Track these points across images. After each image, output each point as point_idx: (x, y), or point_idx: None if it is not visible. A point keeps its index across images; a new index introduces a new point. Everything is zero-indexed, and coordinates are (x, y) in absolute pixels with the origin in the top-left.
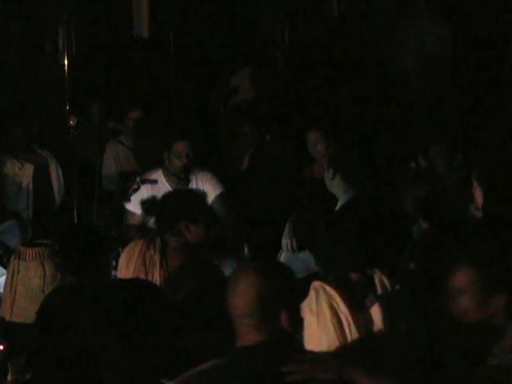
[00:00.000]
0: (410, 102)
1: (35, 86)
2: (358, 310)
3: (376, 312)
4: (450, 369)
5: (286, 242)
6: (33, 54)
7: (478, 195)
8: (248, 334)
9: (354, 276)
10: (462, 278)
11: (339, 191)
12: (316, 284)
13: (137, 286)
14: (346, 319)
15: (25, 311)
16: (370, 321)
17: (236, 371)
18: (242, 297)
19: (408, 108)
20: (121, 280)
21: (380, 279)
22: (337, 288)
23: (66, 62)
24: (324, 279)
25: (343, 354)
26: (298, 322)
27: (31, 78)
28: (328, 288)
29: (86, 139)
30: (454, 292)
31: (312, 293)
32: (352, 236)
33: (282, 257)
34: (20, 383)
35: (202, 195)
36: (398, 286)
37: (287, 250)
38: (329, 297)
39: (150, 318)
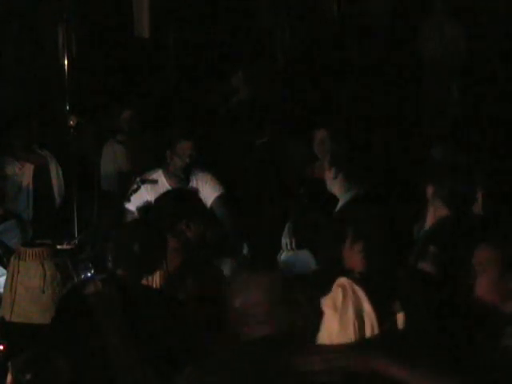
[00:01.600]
0: (420, 101)
1: (35, 86)
2: (385, 314)
3: (401, 316)
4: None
5: (285, 241)
6: (33, 54)
7: (479, 196)
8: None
9: (376, 276)
10: (483, 255)
11: (341, 190)
12: (343, 281)
13: (148, 290)
14: (371, 321)
15: (25, 311)
16: (395, 324)
17: (242, 364)
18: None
19: (416, 107)
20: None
21: (401, 281)
22: (364, 288)
23: (65, 62)
24: (350, 277)
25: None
26: None
27: (31, 77)
28: (357, 288)
29: (86, 139)
30: (475, 267)
31: (338, 289)
32: (366, 236)
33: (282, 256)
34: (20, 383)
35: (196, 193)
36: (418, 289)
37: (287, 249)
38: (356, 298)
39: (161, 323)
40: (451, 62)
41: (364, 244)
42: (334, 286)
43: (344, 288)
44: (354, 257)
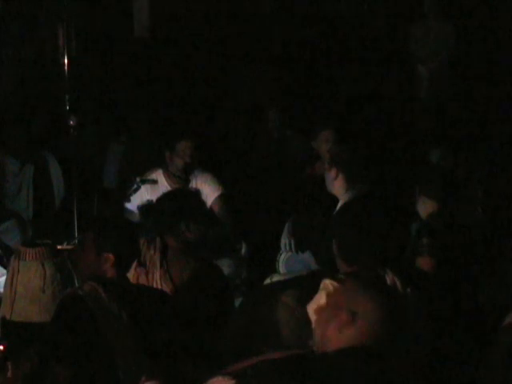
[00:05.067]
0: (416, 102)
1: (35, 85)
2: None
3: None
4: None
5: (284, 241)
6: (33, 54)
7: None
8: None
9: (364, 274)
10: None
11: (341, 190)
12: (327, 282)
13: (146, 290)
14: None
15: (25, 311)
16: None
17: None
18: None
19: (412, 108)
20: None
21: (392, 280)
22: None
23: (65, 62)
24: (334, 277)
25: None
26: None
27: (31, 77)
28: (340, 287)
29: (86, 139)
30: None
31: (322, 293)
32: (364, 232)
33: (282, 257)
34: (20, 381)
35: (198, 193)
36: (409, 289)
37: (286, 249)
38: None
39: (163, 321)
40: (441, 62)
41: (341, 246)
42: (319, 290)
43: (327, 290)
44: (337, 258)
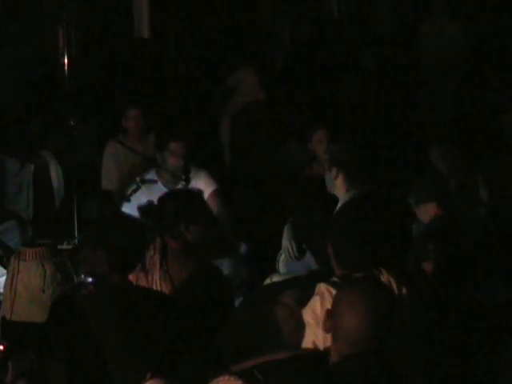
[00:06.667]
0: (421, 102)
1: (35, 85)
2: None
3: None
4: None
5: (285, 245)
6: (33, 54)
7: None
8: None
9: (359, 276)
10: None
11: (340, 190)
12: (321, 287)
13: (143, 291)
14: None
15: (25, 311)
16: None
17: None
18: None
19: (416, 107)
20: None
21: (387, 280)
22: None
23: (65, 62)
24: (328, 281)
25: None
26: None
27: (31, 78)
28: (334, 292)
29: (86, 139)
30: None
31: (317, 298)
32: (355, 235)
33: (282, 257)
34: (20, 382)
35: (200, 194)
36: (405, 289)
37: (287, 254)
38: None
39: (159, 322)
40: (452, 61)
41: (334, 251)
42: (314, 294)
43: (322, 295)
44: (332, 261)
